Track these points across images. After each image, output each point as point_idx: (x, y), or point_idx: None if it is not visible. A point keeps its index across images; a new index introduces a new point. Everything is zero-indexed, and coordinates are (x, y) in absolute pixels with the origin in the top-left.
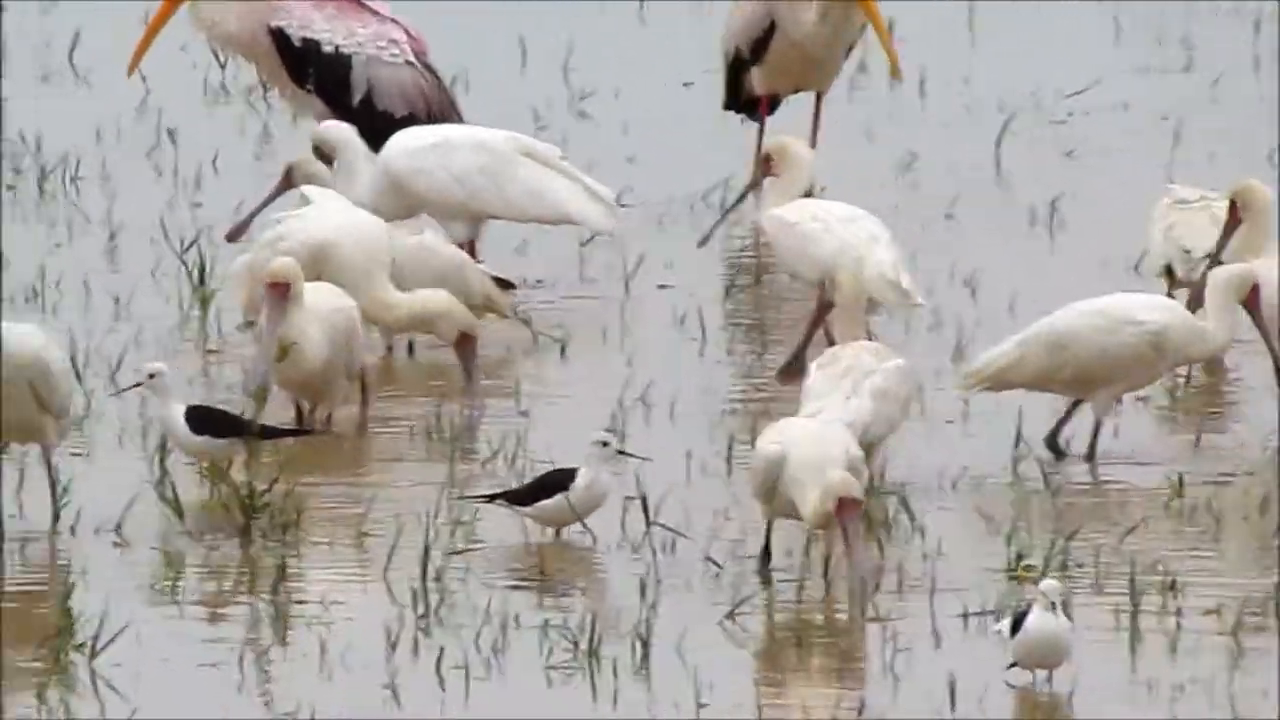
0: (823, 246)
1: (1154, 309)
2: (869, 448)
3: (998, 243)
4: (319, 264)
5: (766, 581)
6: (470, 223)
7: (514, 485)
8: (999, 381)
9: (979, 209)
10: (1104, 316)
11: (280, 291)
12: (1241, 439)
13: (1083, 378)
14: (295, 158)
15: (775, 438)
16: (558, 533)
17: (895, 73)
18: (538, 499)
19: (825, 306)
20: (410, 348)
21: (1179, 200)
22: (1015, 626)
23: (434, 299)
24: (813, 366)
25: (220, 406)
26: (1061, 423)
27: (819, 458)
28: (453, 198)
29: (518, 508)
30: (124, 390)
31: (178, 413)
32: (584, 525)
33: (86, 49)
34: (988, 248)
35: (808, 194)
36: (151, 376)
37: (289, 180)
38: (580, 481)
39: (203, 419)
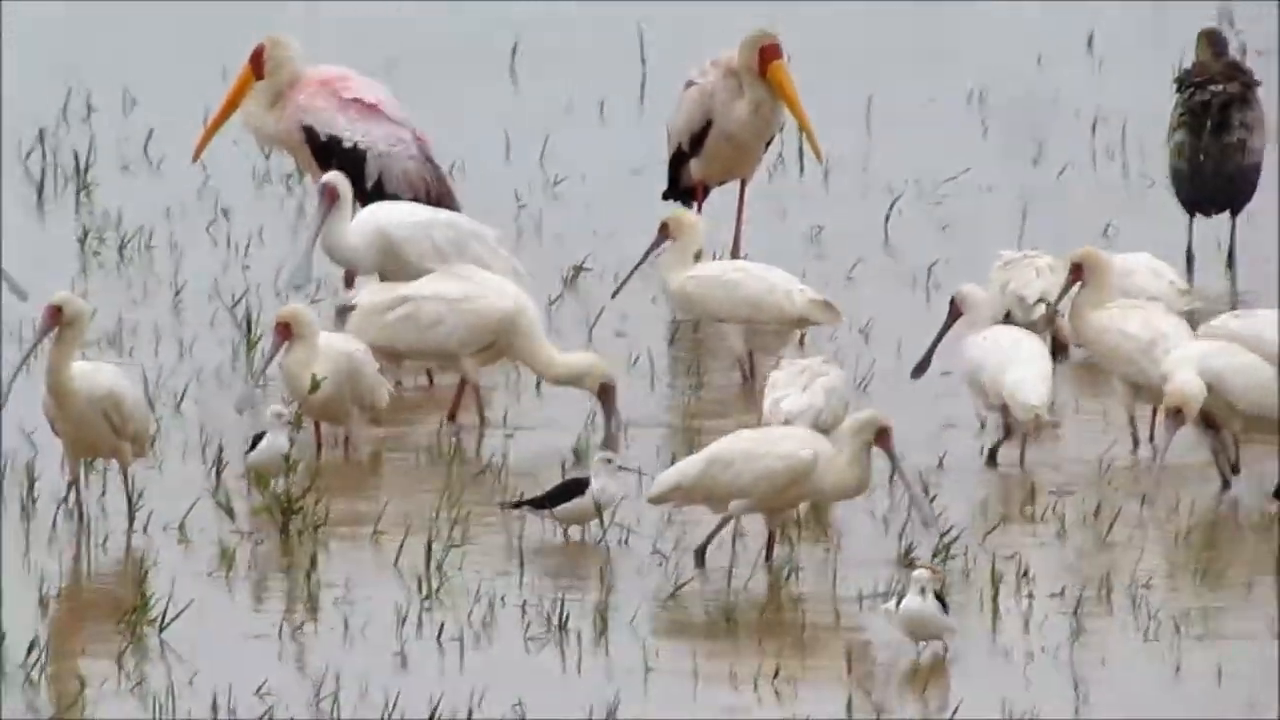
0: (750, 288)
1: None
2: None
3: (886, 300)
4: (505, 331)
5: (701, 566)
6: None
7: (504, 495)
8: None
9: (871, 272)
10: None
11: (282, 332)
12: (1083, 457)
13: None
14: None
15: (793, 446)
16: (566, 532)
17: (818, 155)
18: (558, 503)
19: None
20: (430, 379)
21: (1007, 261)
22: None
23: (581, 359)
24: (776, 371)
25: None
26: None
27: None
28: (429, 259)
29: (541, 511)
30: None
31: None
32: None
33: (158, 144)
34: (878, 304)
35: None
36: (279, 416)
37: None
38: (594, 487)
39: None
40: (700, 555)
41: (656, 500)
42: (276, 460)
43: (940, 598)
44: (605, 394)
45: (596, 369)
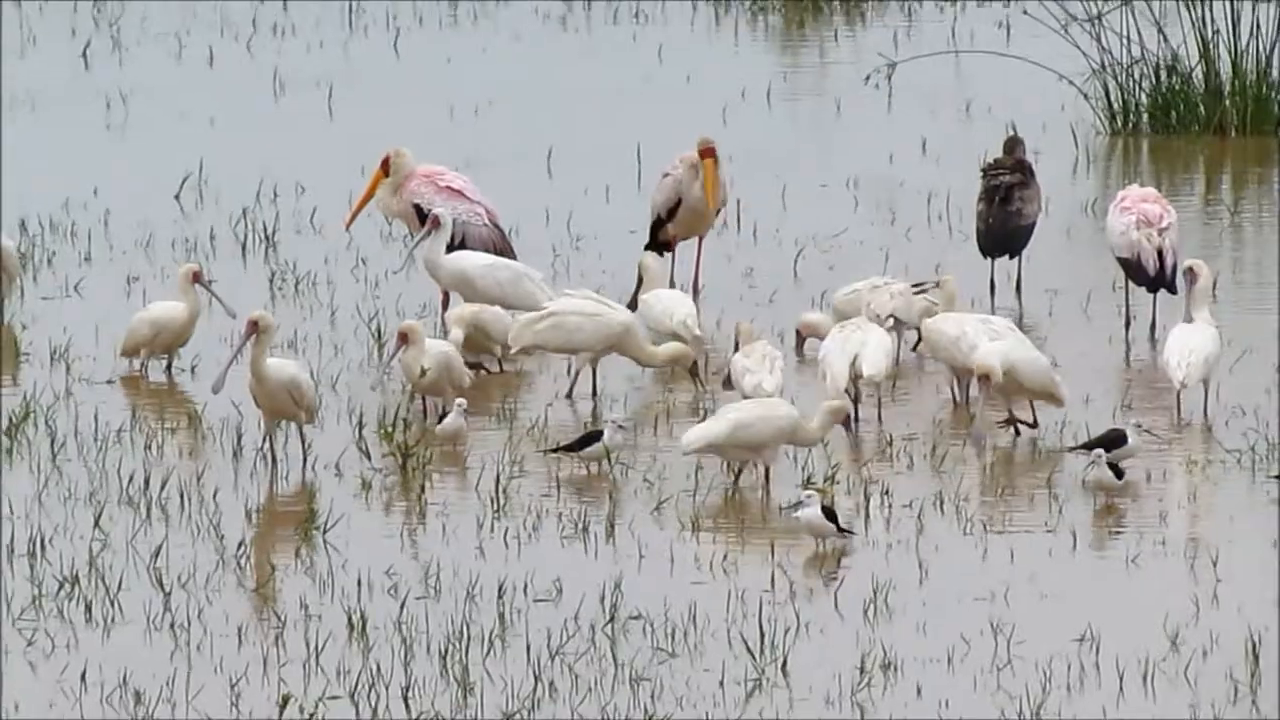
0: (653, 310)
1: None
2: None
3: (795, 316)
4: (623, 336)
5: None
6: (495, 302)
7: (546, 443)
8: None
9: (786, 298)
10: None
11: (401, 338)
12: (924, 415)
13: None
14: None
15: (789, 411)
16: (587, 467)
17: (710, 203)
18: (583, 448)
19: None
20: (500, 367)
21: (874, 287)
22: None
23: (675, 348)
24: (738, 355)
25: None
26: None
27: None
28: (493, 291)
29: (570, 454)
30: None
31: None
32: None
33: (319, 216)
34: (790, 318)
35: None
36: (460, 406)
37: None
38: (605, 437)
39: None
40: (737, 479)
41: (691, 452)
42: (455, 431)
43: (828, 510)
44: (693, 369)
45: (687, 355)
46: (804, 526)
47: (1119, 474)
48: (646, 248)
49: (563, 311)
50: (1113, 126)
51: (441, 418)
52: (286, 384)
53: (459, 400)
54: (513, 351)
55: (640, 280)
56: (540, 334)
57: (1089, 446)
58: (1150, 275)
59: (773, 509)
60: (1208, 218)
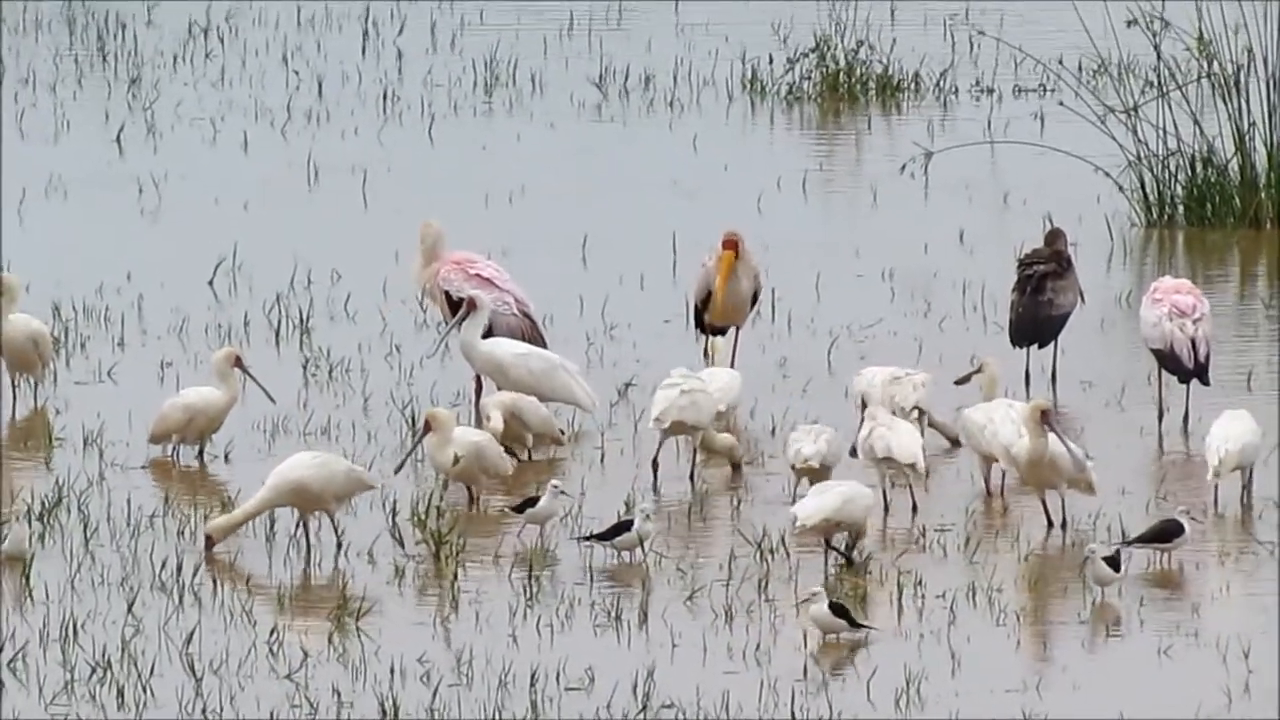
0: (713, 382)
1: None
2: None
3: (828, 407)
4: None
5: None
6: (528, 392)
7: (578, 531)
8: None
9: (818, 389)
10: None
11: (426, 426)
12: (957, 506)
13: None
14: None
15: (868, 491)
16: (618, 554)
17: (720, 295)
18: (615, 537)
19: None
20: (530, 455)
21: (895, 378)
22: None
23: (727, 438)
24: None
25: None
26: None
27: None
28: (525, 380)
29: (602, 542)
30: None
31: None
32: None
33: (353, 303)
34: (823, 409)
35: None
36: (555, 487)
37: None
38: (636, 526)
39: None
40: (850, 561)
41: (811, 528)
42: (546, 515)
43: (836, 605)
44: (736, 468)
45: (736, 446)
46: (809, 621)
47: (1116, 566)
48: (697, 328)
49: (694, 389)
50: (1148, 218)
51: (527, 503)
52: (320, 479)
53: (554, 482)
54: (660, 428)
55: (710, 360)
56: (685, 412)
57: (1144, 540)
58: (1185, 366)
59: (804, 599)
60: (1243, 310)
